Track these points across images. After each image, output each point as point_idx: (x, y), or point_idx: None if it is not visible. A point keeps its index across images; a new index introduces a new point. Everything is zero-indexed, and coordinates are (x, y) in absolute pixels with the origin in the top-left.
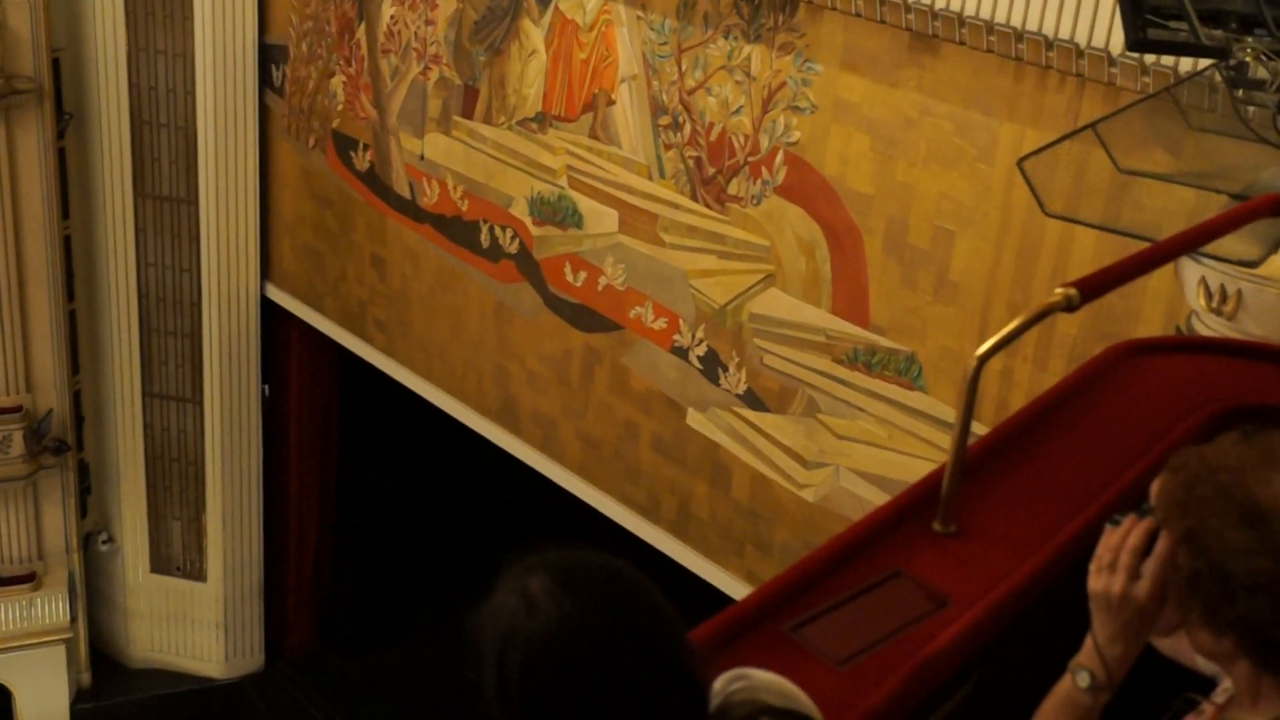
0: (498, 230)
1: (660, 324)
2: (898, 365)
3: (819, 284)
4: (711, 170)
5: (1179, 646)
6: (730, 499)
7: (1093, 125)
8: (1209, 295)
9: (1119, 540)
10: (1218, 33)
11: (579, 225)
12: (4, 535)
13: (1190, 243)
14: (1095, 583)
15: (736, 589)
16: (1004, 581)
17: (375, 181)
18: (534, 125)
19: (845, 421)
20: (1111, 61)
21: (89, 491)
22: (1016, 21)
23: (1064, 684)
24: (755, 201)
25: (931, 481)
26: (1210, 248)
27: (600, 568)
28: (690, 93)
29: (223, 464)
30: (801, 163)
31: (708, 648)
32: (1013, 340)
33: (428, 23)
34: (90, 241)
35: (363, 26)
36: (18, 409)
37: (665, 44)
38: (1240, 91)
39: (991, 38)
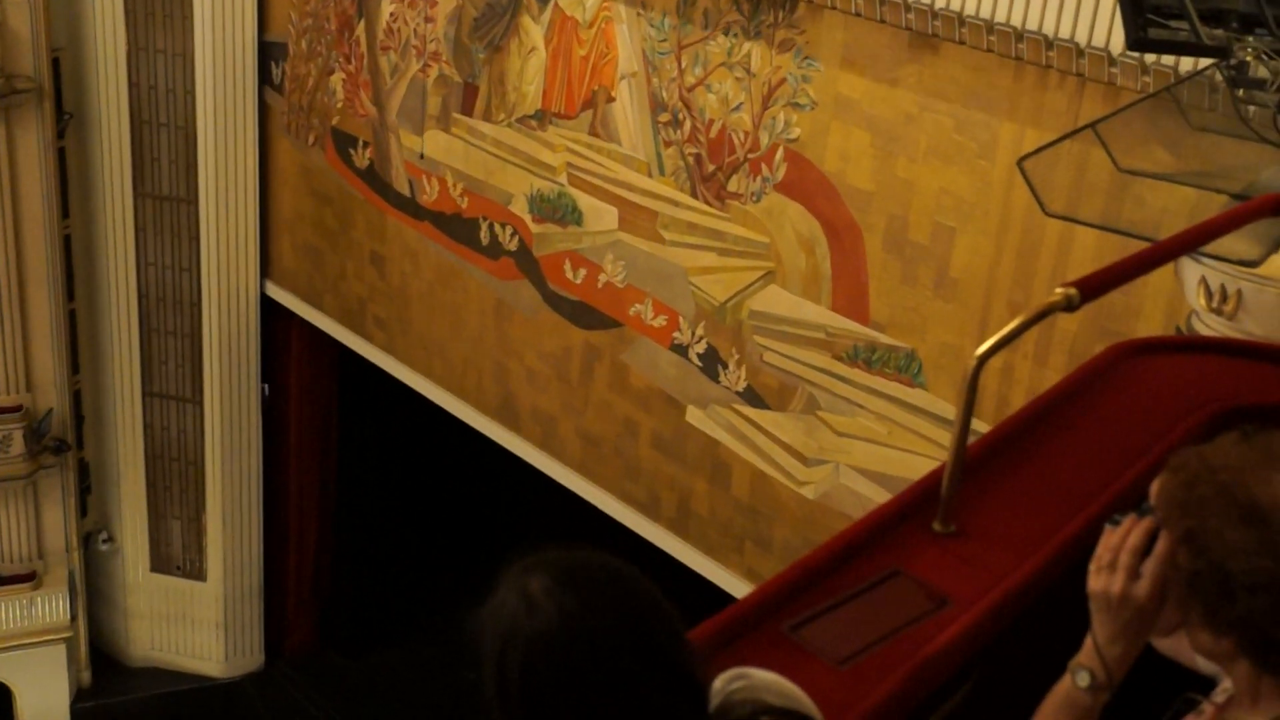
0: (497, 227)
1: (660, 321)
2: (898, 362)
3: (819, 281)
4: (711, 167)
5: (1179, 646)
6: (730, 496)
7: (1093, 125)
8: (1209, 295)
9: (1119, 540)
10: (1218, 32)
11: (579, 222)
12: (4, 534)
13: (1190, 242)
14: (1095, 583)
15: (736, 586)
16: (1004, 581)
17: (375, 179)
18: (534, 122)
19: (845, 418)
20: (1112, 61)
21: (89, 491)
22: (1017, 21)
23: (1064, 684)
24: (755, 198)
25: (931, 481)
26: (1210, 247)
27: (600, 567)
28: (690, 89)
29: (222, 463)
30: (801, 159)
31: (707, 647)
32: (1012, 340)
33: (427, 20)
34: (90, 241)
35: (362, 24)
36: (18, 408)
37: (665, 41)
38: (1241, 91)
39: (992, 37)
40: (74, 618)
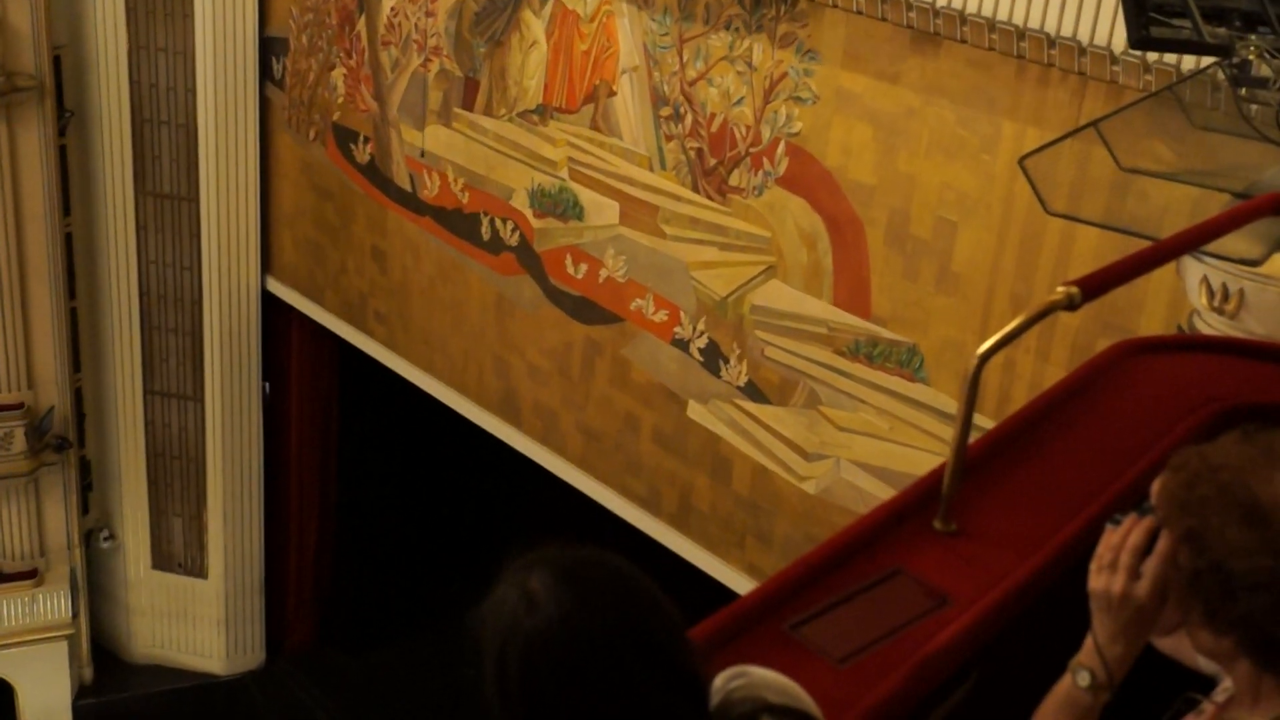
0: (498, 222)
1: (661, 316)
2: (899, 357)
3: (820, 275)
4: (713, 161)
5: (1179, 646)
6: (731, 491)
7: (1095, 123)
8: (1211, 294)
9: (1120, 539)
10: (1221, 30)
11: (580, 217)
12: (6, 531)
13: (1192, 241)
14: (1096, 582)
15: (737, 581)
16: (1004, 580)
17: (375, 174)
18: (535, 117)
19: (846, 413)
20: (1114, 59)
21: (90, 488)
22: (1019, 19)
23: (1064, 683)
24: (757, 193)
25: (932, 480)
26: (1212, 246)
27: (600, 565)
28: (691, 84)
29: (223, 461)
30: (803, 153)
31: (708, 645)
32: (1014, 339)
33: (428, 14)
34: (91, 239)
35: (363, 18)
36: (19, 406)
37: (666, 35)
38: (1243, 90)
39: (994, 35)
40: (75, 615)
